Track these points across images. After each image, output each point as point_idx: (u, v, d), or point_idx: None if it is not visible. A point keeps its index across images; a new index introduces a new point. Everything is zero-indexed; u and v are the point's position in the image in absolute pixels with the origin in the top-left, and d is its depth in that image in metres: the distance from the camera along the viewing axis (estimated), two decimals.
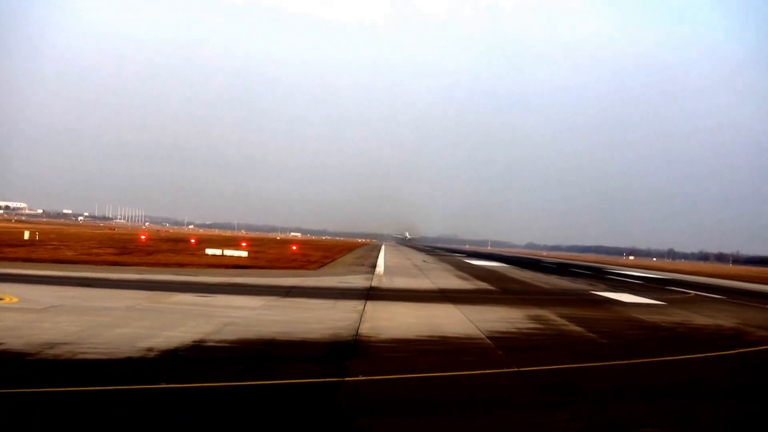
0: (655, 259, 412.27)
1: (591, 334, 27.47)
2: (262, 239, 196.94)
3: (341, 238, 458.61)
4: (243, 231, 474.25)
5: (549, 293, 51.61)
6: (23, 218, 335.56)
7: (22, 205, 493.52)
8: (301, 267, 64.46)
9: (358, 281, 49.78)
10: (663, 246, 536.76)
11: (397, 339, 23.43)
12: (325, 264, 73.74)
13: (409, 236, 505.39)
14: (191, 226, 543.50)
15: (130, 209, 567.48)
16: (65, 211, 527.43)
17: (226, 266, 58.56)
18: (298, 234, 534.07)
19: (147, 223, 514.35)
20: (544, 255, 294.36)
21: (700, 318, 37.27)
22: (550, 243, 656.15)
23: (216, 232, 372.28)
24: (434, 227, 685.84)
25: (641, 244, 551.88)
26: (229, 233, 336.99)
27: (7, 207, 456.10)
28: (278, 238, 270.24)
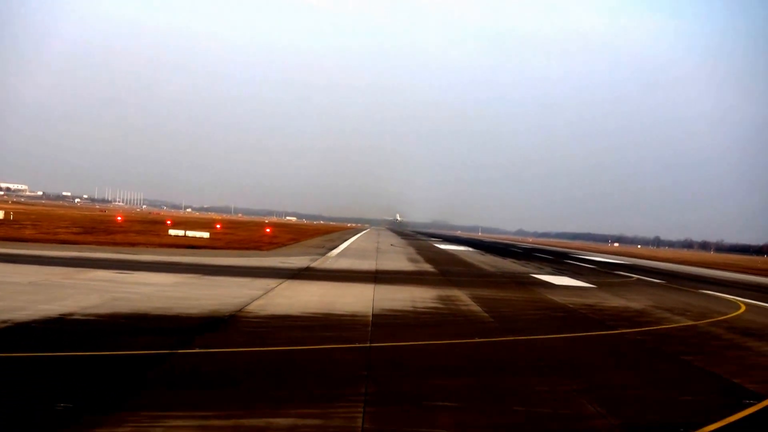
0: (639, 246, 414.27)
1: (484, 314, 27.42)
2: (243, 222, 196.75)
3: (334, 223, 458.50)
4: (240, 215, 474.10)
5: (487, 275, 51.77)
6: (22, 200, 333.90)
7: (23, 187, 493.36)
8: (257, 248, 64.18)
9: (299, 262, 49.56)
10: (650, 234, 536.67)
11: (276, 315, 23.20)
12: (286, 246, 73.54)
13: (399, 219, 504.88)
14: (189, 210, 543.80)
15: (129, 192, 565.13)
16: (64, 193, 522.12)
17: (180, 246, 58.47)
18: (293, 218, 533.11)
19: (144, 206, 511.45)
20: (530, 241, 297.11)
21: (616, 300, 37.68)
22: (540, 230, 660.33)
23: (211, 215, 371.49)
24: (427, 213, 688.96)
25: (629, 232, 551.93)
26: (217, 216, 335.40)
27: (8, 189, 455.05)
28: (266, 221, 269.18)
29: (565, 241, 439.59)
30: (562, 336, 23.37)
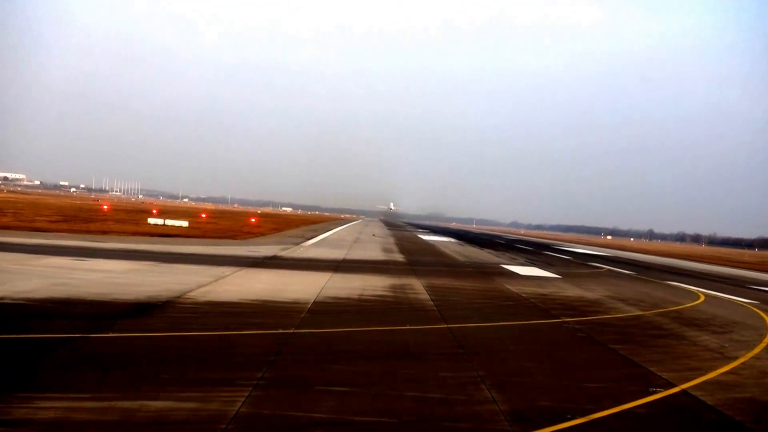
0: (632, 239, 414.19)
1: (430, 303, 27.40)
2: (233, 212, 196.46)
3: (328, 214, 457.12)
4: (236, 205, 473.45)
5: (455, 265, 51.62)
6: (19, 189, 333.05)
7: (21, 176, 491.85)
8: (233, 237, 64.01)
9: (268, 251, 49.26)
10: (644, 227, 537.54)
11: (213, 302, 23.03)
12: (264, 235, 73.35)
13: (393, 208, 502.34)
14: (186, 200, 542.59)
15: (126, 183, 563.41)
16: (62, 183, 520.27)
17: (154, 234, 58.16)
18: (289, 209, 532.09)
19: (140, 196, 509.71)
20: (521, 233, 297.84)
21: (573, 290, 37.78)
22: (534, 222, 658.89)
23: (206, 205, 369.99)
24: (422, 205, 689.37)
25: (623, 225, 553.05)
26: (211, 206, 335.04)
27: (5, 178, 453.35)
28: (259, 212, 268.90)
29: (557, 233, 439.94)
30: (498, 324, 23.39)
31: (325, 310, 23.15)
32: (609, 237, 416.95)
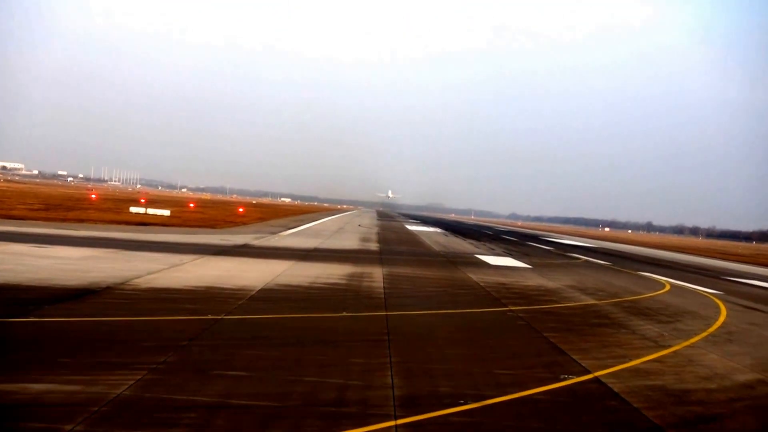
0: (630, 231, 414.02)
1: (380, 290, 27.40)
2: (225, 202, 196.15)
3: (327, 205, 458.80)
4: (234, 195, 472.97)
5: (427, 255, 51.73)
6: (17, 178, 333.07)
7: (20, 165, 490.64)
8: (212, 226, 63.98)
9: (241, 240, 49.28)
10: (643, 219, 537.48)
11: (155, 289, 23.01)
12: (246, 224, 73.34)
13: (392, 195, 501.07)
14: (184, 190, 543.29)
15: (125, 172, 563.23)
16: (60, 172, 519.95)
17: (131, 223, 58.26)
18: (288, 200, 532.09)
19: (139, 186, 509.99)
20: (518, 225, 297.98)
21: (536, 280, 38.03)
22: (533, 214, 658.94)
23: (205, 196, 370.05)
24: (421, 197, 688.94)
25: (622, 217, 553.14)
26: (208, 196, 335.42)
27: (3, 167, 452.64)
28: (254, 202, 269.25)
29: (555, 225, 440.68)
30: (440, 312, 23.48)
31: (267, 297, 23.09)
32: (607, 229, 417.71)
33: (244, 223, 74.81)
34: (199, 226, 62.15)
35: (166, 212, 73.37)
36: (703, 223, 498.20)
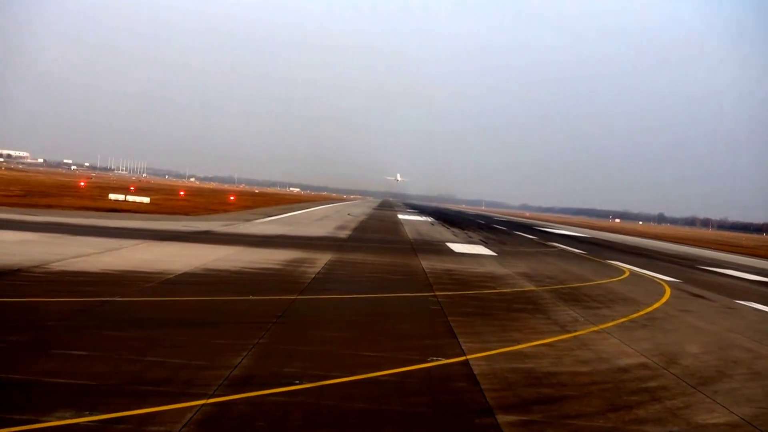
0: (641, 222, 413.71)
1: (310, 275, 27.69)
2: (219, 191, 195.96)
3: (335, 195, 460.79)
4: (243, 185, 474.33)
5: (395, 242, 52.07)
6: (20, 166, 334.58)
7: (25, 154, 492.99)
8: (189, 213, 64.31)
9: (207, 226, 49.55)
10: (655, 211, 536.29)
11: (67, 272, 23.07)
12: (227, 212, 73.60)
13: (400, 178, 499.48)
14: (192, 179, 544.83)
15: (132, 161, 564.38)
16: (66, 161, 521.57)
17: (103, 209, 58.69)
18: (297, 189, 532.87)
19: (144, 175, 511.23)
20: (527, 216, 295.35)
21: (491, 267, 38.33)
22: (544, 205, 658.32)
23: (211, 185, 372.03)
24: (432, 187, 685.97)
25: (634, 209, 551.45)
26: (210, 185, 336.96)
27: (8, 155, 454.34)
28: (256, 191, 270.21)
29: (565, 216, 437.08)
30: (358, 296, 23.66)
31: (182, 281, 23.05)
32: (617, 220, 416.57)
33: (226, 211, 75.00)
34: (174, 213, 62.15)
35: (146, 199, 73.68)
36: (716, 214, 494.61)
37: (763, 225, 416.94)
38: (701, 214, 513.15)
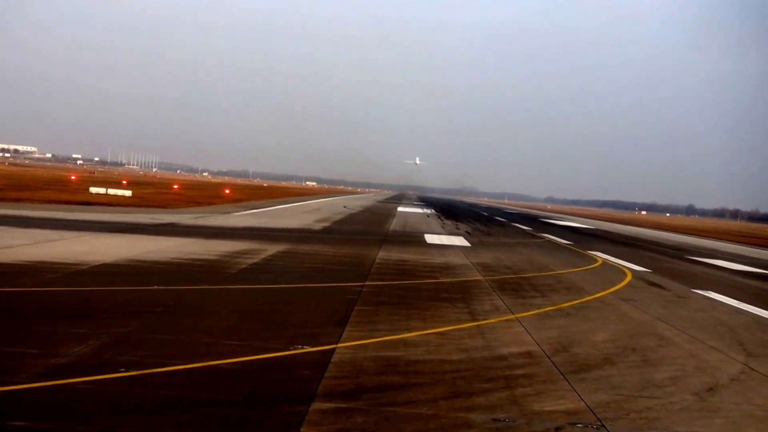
0: (668, 214, 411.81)
1: (242, 266, 27.80)
2: (214, 184, 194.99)
3: (350, 188, 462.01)
4: (257, 180, 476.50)
5: (369, 233, 52.56)
6: (27, 162, 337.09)
7: (33, 149, 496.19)
8: (170, 207, 64.92)
9: (176, 219, 50.04)
10: (684, 202, 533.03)
11: None
12: (213, 204, 74.68)
13: (419, 162, 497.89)
14: (206, 174, 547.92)
15: (143, 155, 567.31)
16: (74, 155, 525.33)
17: (77, 203, 59.05)
18: (314, 183, 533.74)
19: (155, 169, 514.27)
20: (548, 208, 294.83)
21: (452, 257, 38.32)
22: (570, 197, 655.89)
23: (224, 179, 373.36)
24: (454, 180, 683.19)
25: (663, 200, 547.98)
26: (219, 179, 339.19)
27: (15, 150, 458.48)
28: (265, 185, 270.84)
29: (589, 208, 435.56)
30: (274, 287, 23.78)
31: (97, 272, 23.46)
32: (643, 212, 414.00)
33: (211, 204, 75.42)
34: (153, 206, 62.52)
35: (128, 193, 73.96)
36: (748, 206, 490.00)
37: None
38: (732, 206, 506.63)
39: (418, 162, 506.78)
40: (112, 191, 73.72)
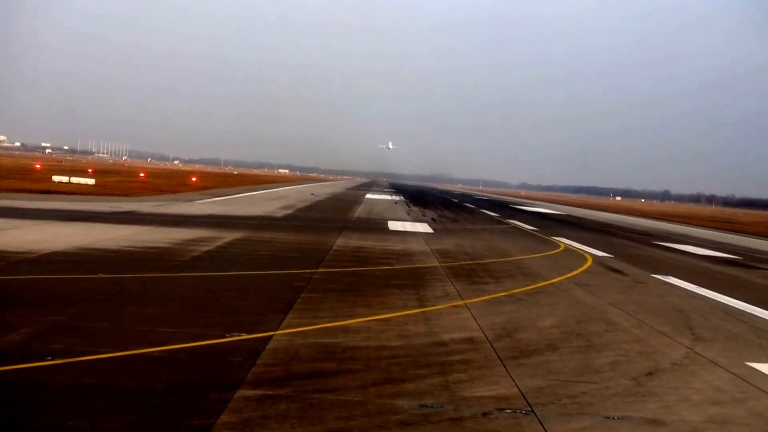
0: (643, 200, 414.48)
1: (194, 254, 27.71)
2: (183, 172, 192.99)
3: (323, 175, 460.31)
4: (229, 167, 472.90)
5: (330, 221, 52.08)
6: None
7: (1, 137, 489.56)
8: (132, 195, 64.52)
9: (136, 207, 49.70)
10: (660, 188, 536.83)
11: None
12: (178, 192, 74.05)
13: (392, 146, 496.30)
14: (177, 162, 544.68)
15: (114, 144, 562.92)
16: (44, 144, 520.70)
17: (36, 191, 58.80)
18: (287, 171, 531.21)
19: (125, 157, 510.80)
20: (522, 195, 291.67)
21: (413, 244, 38.10)
22: (545, 183, 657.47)
23: (195, 167, 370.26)
24: (426, 167, 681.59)
25: (638, 186, 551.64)
26: (188, 167, 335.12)
27: None
28: (235, 173, 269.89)
29: (563, 194, 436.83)
30: (222, 274, 23.67)
31: (44, 260, 23.28)
32: (618, 198, 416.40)
33: (175, 192, 74.76)
34: (116, 195, 62.24)
35: (91, 181, 73.37)
36: (724, 191, 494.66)
37: None
38: (708, 191, 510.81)
39: (391, 146, 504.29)
40: (75, 180, 72.66)
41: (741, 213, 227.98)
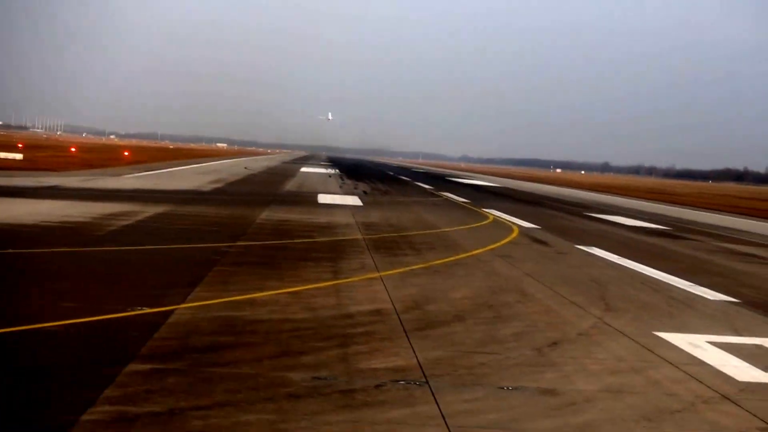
0: (583, 172, 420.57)
1: (111, 228, 27.49)
2: (117, 146, 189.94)
3: (261, 149, 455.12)
4: (166, 142, 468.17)
5: (259, 195, 52.12)
6: None
7: None
8: (61, 169, 63.87)
9: (61, 181, 49.05)
10: (600, 160, 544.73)
11: None
12: (108, 167, 73.73)
13: (331, 117, 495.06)
14: (113, 136, 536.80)
15: (49, 119, 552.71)
16: None
17: None
18: (225, 145, 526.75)
19: (60, 132, 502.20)
20: (461, 168, 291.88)
21: (339, 217, 38.28)
22: (486, 156, 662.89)
23: (131, 142, 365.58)
24: (366, 140, 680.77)
25: (580, 158, 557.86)
26: (123, 142, 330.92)
27: None
28: (171, 146, 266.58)
29: (505, 167, 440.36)
30: (144, 248, 23.57)
31: None
32: (558, 170, 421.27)
33: (105, 166, 73.87)
34: (42, 170, 61.15)
35: (19, 156, 71.55)
36: (664, 163, 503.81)
37: (710, 172, 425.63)
38: (648, 163, 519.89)
39: (330, 117, 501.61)
40: (2, 155, 70.59)
41: (679, 185, 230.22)
